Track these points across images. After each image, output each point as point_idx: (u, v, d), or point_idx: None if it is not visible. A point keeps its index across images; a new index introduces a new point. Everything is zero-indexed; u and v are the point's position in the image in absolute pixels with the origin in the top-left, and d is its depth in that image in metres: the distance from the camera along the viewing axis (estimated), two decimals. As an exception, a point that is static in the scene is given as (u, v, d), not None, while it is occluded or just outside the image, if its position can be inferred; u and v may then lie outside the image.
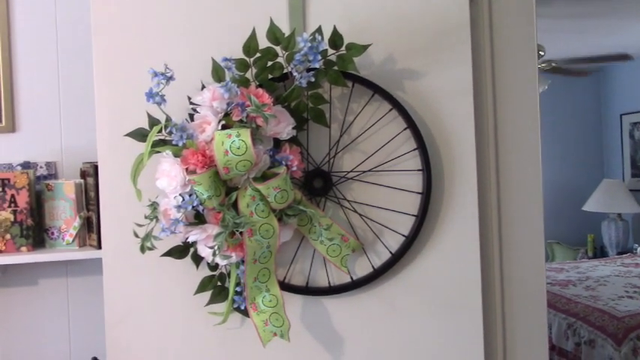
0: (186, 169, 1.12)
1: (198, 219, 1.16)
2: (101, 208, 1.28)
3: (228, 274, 1.22)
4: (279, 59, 1.21)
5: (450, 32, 1.32)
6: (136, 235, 1.13)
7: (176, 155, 1.13)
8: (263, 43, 1.19)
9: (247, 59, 1.20)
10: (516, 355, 1.41)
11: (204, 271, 1.24)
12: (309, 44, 1.14)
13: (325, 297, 1.29)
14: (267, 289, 1.18)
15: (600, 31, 4.37)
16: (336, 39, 1.20)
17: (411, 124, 1.27)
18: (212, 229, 1.14)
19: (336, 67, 1.21)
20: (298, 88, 1.18)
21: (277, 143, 1.19)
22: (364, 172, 1.29)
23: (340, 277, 1.29)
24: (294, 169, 1.18)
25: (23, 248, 1.73)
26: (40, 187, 1.80)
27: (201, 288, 1.24)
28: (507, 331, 1.41)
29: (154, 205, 1.16)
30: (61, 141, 1.90)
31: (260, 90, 1.15)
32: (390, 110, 1.29)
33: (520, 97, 1.42)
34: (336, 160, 1.29)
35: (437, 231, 1.32)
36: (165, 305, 1.28)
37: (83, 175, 1.82)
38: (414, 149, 1.29)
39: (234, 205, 1.14)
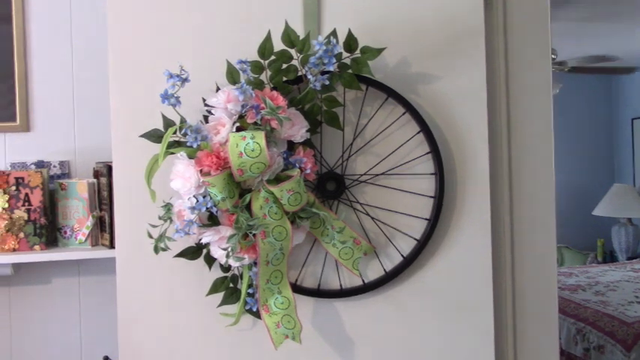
0: (201, 170, 1.12)
1: (212, 220, 1.17)
2: (115, 209, 1.29)
3: (241, 276, 1.22)
4: (294, 62, 1.21)
5: (464, 36, 1.32)
6: (150, 236, 1.14)
7: (190, 157, 1.14)
8: (278, 45, 1.20)
9: (262, 61, 1.20)
10: (527, 360, 1.41)
11: (217, 273, 1.24)
12: (324, 47, 1.14)
13: (337, 300, 1.29)
14: (279, 291, 1.18)
15: (612, 34, 4.36)
16: (350, 42, 1.20)
17: (424, 128, 1.27)
18: (225, 231, 1.14)
19: (350, 71, 1.21)
20: (312, 91, 1.18)
21: (291, 146, 1.20)
22: (377, 175, 1.29)
23: (352, 280, 1.29)
24: (308, 171, 1.18)
25: (36, 247, 1.74)
26: (53, 186, 1.81)
27: (214, 289, 1.24)
28: (518, 336, 1.41)
29: (168, 206, 1.17)
30: (74, 140, 1.91)
31: (275, 92, 1.15)
32: (404, 114, 1.29)
33: (534, 102, 1.42)
34: (349, 163, 1.29)
35: (449, 235, 1.32)
36: (177, 306, 1.29)
37: (96, 174, 1.83)
38: (427, 153, 1.29)
39: (248, 207, 1.15)
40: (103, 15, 1.26)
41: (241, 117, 1.15)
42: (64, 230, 1.78)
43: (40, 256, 1.73)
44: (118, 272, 1.28)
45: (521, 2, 1.41)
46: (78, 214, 1.77)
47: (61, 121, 1.90)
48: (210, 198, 1.12)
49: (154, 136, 1.19)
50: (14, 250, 1.73)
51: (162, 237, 1.14)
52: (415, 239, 1.29)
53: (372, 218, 1.29)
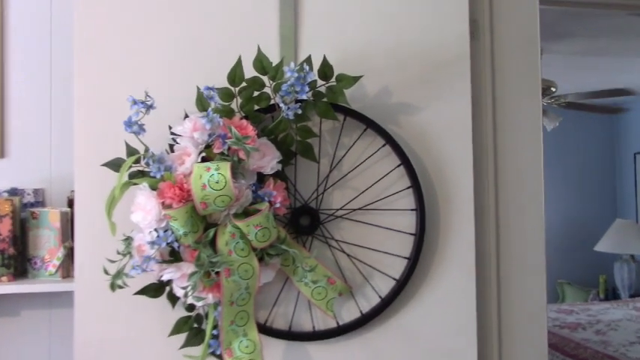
0: (163, 202, 1.05)
1: (174, 256, 1.09)
2: (75, 242, 1.22)
3: (206, 316, 1.14)
4: (267, 89, 1.15)
5: (449, 65, 1.26)
6: (106, 272, 1.06)
7: (153, 188, 1.07)
8: (251, 72, 1.14)
9: (232, 89, 1.14)
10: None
11: (182, 311, 1.16)
12: (295, 74, 1.08)
13: (309, 343, 1.21)
14: (244, 334, 1.10)
15: (612, 68, 4.32)
16: (325, 69, 1.14)
17: (405, 161, 1.21)
18: (187, 268, 1.07)
19: (325, 99, 1.15)
20: (285, 120, 1.12)
21: (261, 178, 1.13)
22: (354, 210, 1.22)
23: (325, 322, 1.21)
24: (278, 205, 1.11)
25: (4, 278, 1.66)
26: (25, 215, 1.74)
27: (177, 329, 1.16)
28: (506, 384, 1.32)
29: (128, 240, 1.10)
30: (50, 168, 1.85)
31: (244, 121, 1.09)
32: (384, 145, 1.22)
33: (522, 135, 1.35)
34: (324, 197, 1.22)
35: (430, 275, 1.24)
36: (139, 345, 1.21)
37: (70, 203, 1.76)
38: (408, 187, 1.22)
39: (213, 243, 1.07)
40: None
41: (208, 147, 1.09)
42: (34, 261, 1.71)
43: (7, 288, 1.65)
44: (75, 308, 1.20)
45: (510, 31, 1.35)
46: (49, 245, 1.70)
47: (37, 148, 1.84)
48: (172, 232, 1.05)
49: (116, 165, 1.12)
50: (-19, 281, 1.65)
51: (120, 273, 1.06)
52: (394, 279, 1.22)
53: (349, 256, 1.22)
